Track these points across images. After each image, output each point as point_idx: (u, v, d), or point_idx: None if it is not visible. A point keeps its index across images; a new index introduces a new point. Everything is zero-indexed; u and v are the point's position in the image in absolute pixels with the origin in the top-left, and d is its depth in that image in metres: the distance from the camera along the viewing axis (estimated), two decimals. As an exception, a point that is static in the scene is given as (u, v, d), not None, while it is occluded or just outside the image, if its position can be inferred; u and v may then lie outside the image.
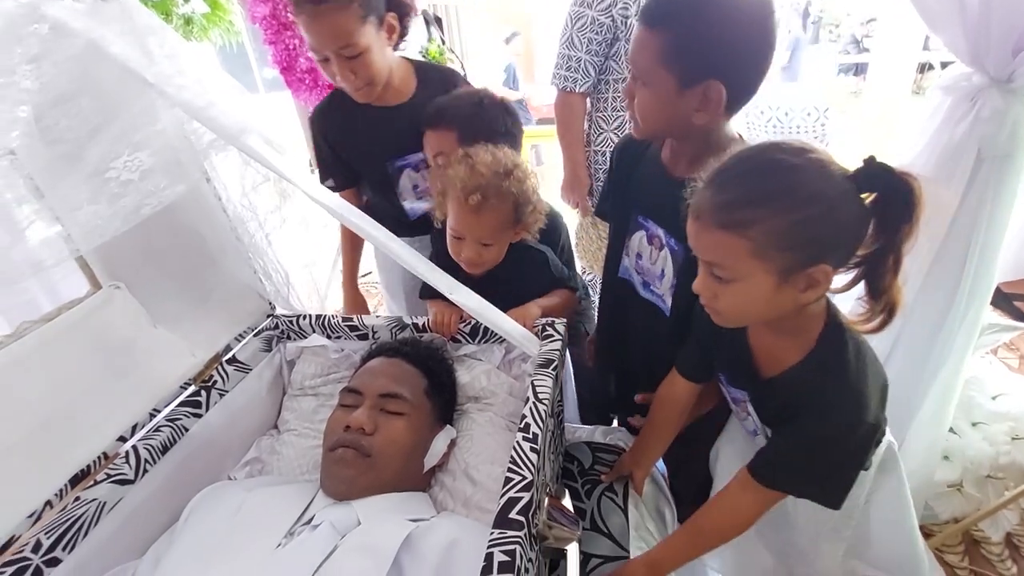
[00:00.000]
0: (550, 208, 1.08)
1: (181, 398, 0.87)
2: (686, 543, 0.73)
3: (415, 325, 1.00)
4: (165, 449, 0.81)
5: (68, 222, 0.71)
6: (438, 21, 1.85)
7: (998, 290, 2.19)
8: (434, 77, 1.14)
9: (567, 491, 0.93)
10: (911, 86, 2.52)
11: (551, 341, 0.90)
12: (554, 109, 1.54)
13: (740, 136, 0.80)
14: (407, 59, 1.14)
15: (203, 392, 0.89)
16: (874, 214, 0.56)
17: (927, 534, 1.31)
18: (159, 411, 0.84)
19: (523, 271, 1.01)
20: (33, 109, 0.70)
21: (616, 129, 1.55)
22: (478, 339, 1.00)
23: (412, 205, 1.19)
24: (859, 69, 3.63)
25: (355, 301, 1.36)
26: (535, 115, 5.23)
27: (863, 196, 0.56)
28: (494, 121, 1.02)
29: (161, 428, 0.82)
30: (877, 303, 0.59)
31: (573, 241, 1.38)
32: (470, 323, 0.98)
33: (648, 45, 0.70)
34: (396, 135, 1.10)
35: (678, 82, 0.70)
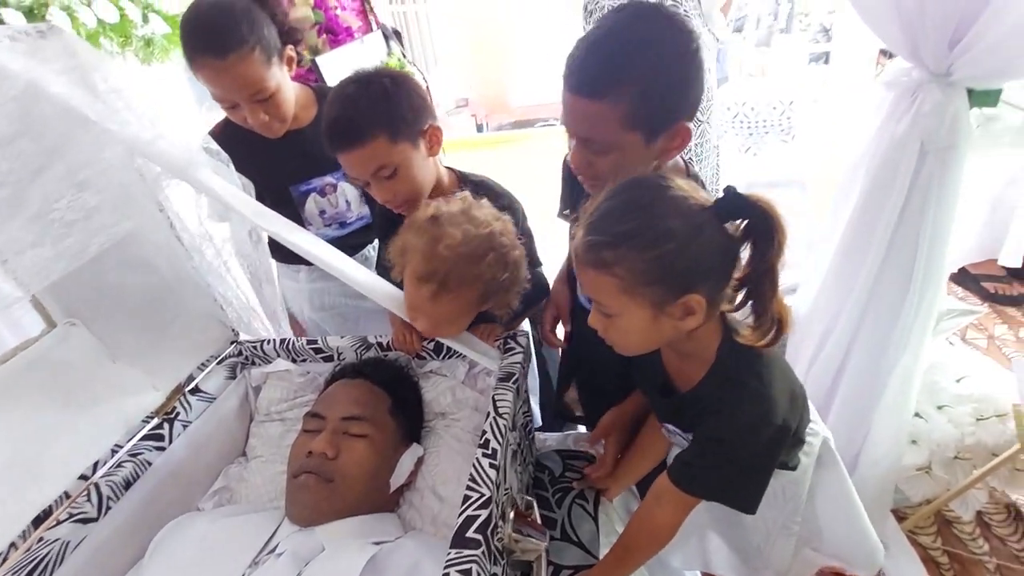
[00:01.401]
0: (504, 191, 1.02)
1: (143, 432, 0.87)
2: (615, 563, 0.75)
3: (379, 344, 1.00)
4: (128, 484, 0.81)
5: (14, 264, 0.71)
6: (397, 35, 1.86)
7: (965, 271, 2.25)
8: None
9: (535, 501, 0.94)
10: (873, 74, 2.57)
11: (512, 354, 0.91)
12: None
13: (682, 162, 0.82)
14: (307, 85, 1.13)
15: (166, 424, 0.88)
16: (747, 239, 0.59)
17: (900, 517, 1.33)
18: (121, 446, 0.84)
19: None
20: (-29, 154, 0.69)
21: None
22: (442, 355, 1.00)
23: (319, 231, 1.16)
24: (828, 58, 3.70)
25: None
26: (510, 118, 5.26)
27: (734, 223, 0.59)
28: (410, 99, 0.89)
29: (123, 464, 0.81)
30: (763, 319, 0.61)
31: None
32: (433, 340, 0.99)
33: (603, 116, 0.68)
34: (299, 160, 1.08)
35: (644, 139, 0.70)
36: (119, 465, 0.81)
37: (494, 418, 0.77)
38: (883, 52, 2.68)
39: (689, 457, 0.70)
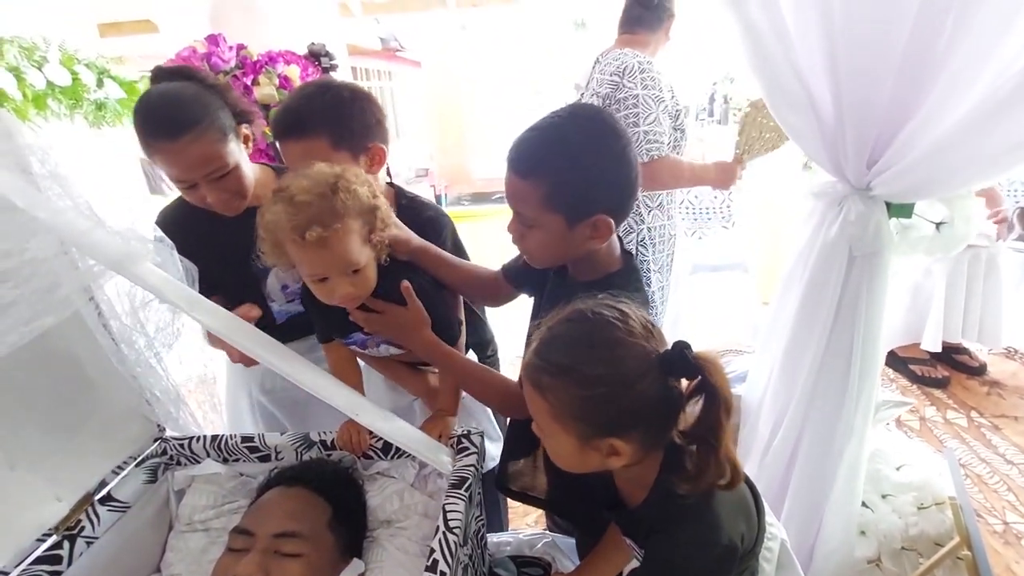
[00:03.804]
0: (433, 205, 1.04)
1: (37, 553, 0.75)
2: None
3: (323, 443, 0.94)
4: (9, 624, 0.69)
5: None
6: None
7: (894, 354, 2.40)
8: None
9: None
10: (799, 165, 2.82)
11: (466, 455, 0.87)
12: (653, 178, 1.63)
13: (620, 246, 0.85)
14: (266, 165, 1.14)
15: (66, 542, 0.77)
16: (698, 394, 0.59)
17: (855, 613, 1.32)
18: (7, 574, 0.72)
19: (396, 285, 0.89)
20: None
21: None
22: (390, 455, 0.94)
23: (281, 307, 1.13)
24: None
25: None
26: (471, 189, 5.41)
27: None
28: (363, 114, 0.95)
29: (5, 597, 0.70)
30: (705, 472, 0.59)
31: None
32: (380, 439, 0.93)
33: (529, 194, 0.75)
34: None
35: (566, 221, 0.75)
36: (1, 598, 0.70)
37: (444, 533, 0.72)
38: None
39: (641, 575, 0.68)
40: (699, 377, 0.58)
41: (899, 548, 1.30)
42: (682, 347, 0.58)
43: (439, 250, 0.95)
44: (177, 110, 0.92)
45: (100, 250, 0.73)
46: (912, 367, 2.33)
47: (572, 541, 1.02)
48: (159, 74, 0.98)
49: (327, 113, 0.92)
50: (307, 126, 0.91)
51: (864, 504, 1.31)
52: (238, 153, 0.99)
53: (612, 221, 0.75)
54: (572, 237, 0.76)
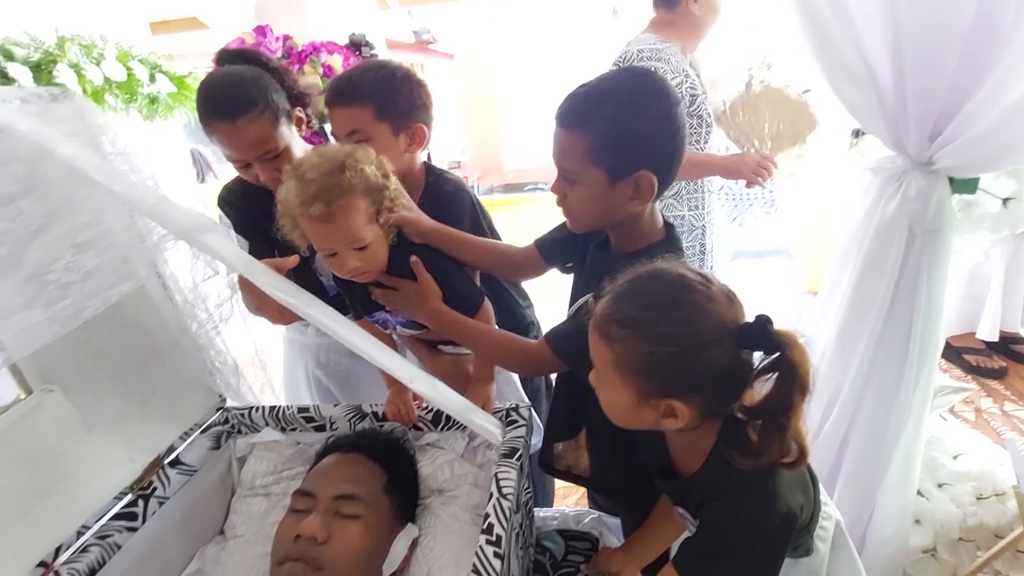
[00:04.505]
0: (455, 178, 1.07)
1: (115, 510, 0.80)
2: None
3: (375, 414, 0.96)
4: (92, 572, 0.73)
5: (0, 329, 0.67)
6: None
7: (947, 344, 2.30)
8: None
9: (538, 589, 0.88)
10: (847, 149, 2.71)
11: (515, 427, 0.88)
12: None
13: (662, 217, 0.85)
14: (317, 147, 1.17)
15: (140, 501, 0.82)
16: (772, 371, 0.57)
17: (907, 603, 1.28)
18: (89, 527, 0.77)
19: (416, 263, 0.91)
20: (-29, 213, 0.67)
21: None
22: (440, 426, 0.96)
23: (329, 281, 1.16)
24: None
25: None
26: (503, 180, 5.41)
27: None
28: (410, 94, 0.99)
29: (89, 548, 0.74)
30: (767, 449, 0.58)
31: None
32: (431, 409, 0.95)
33: (572, 146, 0.74)
34: None
35: (608, 177, 0.74)
36: (84, 550, 0.74)
37: (498, 499, 0.73)
38: (855, 132, 2.83)
39: (695, 545, 0.67)
40: (777, 353, 0.56)
41: (956, 539, 1.25)
42: (764, 320, 0.56)
43: (452, 231, 0.96)
44: (236, 93, 0.95)
45: (170, 221, 0.76)
46: (967, 357, 2.23)
47: (618, 521, 1.03)
48: (224, 55, 1.02)
49: (377, 84, 0.96)
50: (356, 94, 0.96)
51: (919, 493, 1.27)
52: (289, 136, 1.03)
53: (655, 181, 0.74)
54: (613, 195, 0.75)
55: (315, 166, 0.80)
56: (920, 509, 1.26)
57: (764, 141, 1.57)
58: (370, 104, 0.95)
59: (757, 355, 0.59)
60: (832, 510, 0.85)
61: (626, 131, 0.73)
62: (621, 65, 1.51)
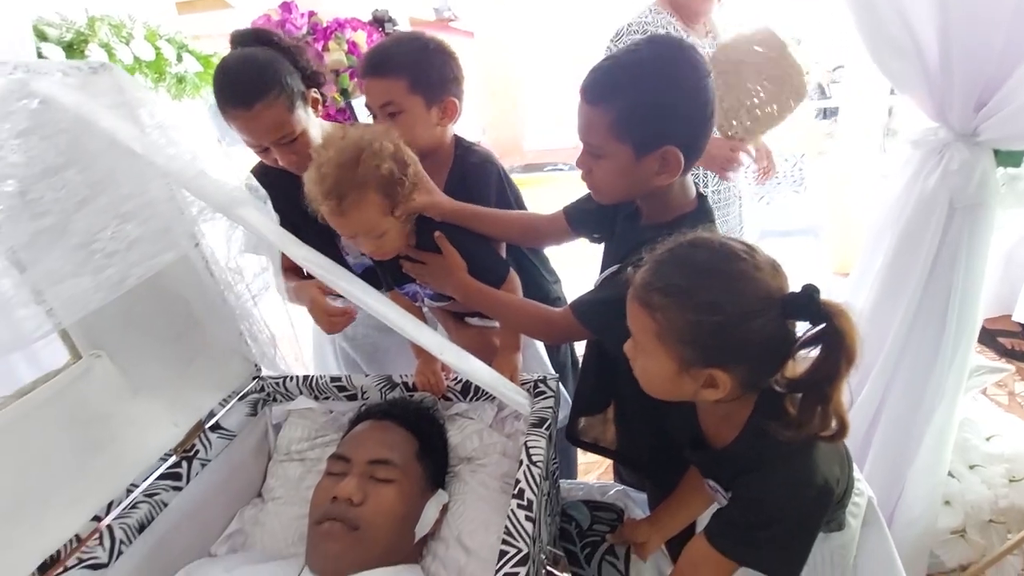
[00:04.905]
0: (482, 151, 1.07)
1: (161, 470, 0.84)
2: None
3: (405, 384, 0.98)
4: (142, 527, 0.77)
5: (50, 295, 0.70)
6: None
7: (982, 327, 2.24)
8: None
9: (565, 556, 0.90)
10: (882, 128, 2.63)
11: (544, 399, 0.89)
12: None
13: (695, 187, 0.83)
14: (337, 125, 1.16)
15: (184, 463, 0.85)
16: (817, 343, 0.56)
17: (935, 583, 1.27)
18: (137, 486, 0.81)
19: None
20: (19, 183, 0.70)
21: None
22: (469, 397, 0.98)
23: (356, 260, 1.17)
24: (827, 113, 3.80)
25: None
26: (523, 161, 5.36)
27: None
28: (443, 67, 0.99)
29: (139, 504, 0.78)
30: (808, 422, 0.58)
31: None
32: (460, 380, 0.97)
33: (597, 121, 0.73)
34: None
35: (634, 151, 0.72)
36: (134, 506, 0.78)
37: (528, 466, 0.74)
38: (889, 111, 2.74)
39: (728, 517, 0.67)
40: (824, 324, 0.55)
41: (987, 520, 1.24)
42: (812, 290, 0.55)
43: (473, 208, 0.96)
44: (249, 79, 0.96)
45: (209, 193, 0.78)
46: (1001, 340, 2.18)
47: (643, 495, 1.03)
48: (236, 38, 1.03)
49: (411, 56, 0.96)
50: (390, 66, 0.96)
51: (950, 474, 1.25)
52: (306, 119, 1.03)
53: (682, 156, 0.72)
54: (639, 170, 0.74)
55: (330, 159, 0.81)
56: (950, 490, 1.25)
57: (743, 119, 1.22)
58: (404, 76, 0.95)
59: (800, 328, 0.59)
60: (864, 486, 0.84)
61: (652, 105, 0.71)
62: (614, 42, 1.42)
